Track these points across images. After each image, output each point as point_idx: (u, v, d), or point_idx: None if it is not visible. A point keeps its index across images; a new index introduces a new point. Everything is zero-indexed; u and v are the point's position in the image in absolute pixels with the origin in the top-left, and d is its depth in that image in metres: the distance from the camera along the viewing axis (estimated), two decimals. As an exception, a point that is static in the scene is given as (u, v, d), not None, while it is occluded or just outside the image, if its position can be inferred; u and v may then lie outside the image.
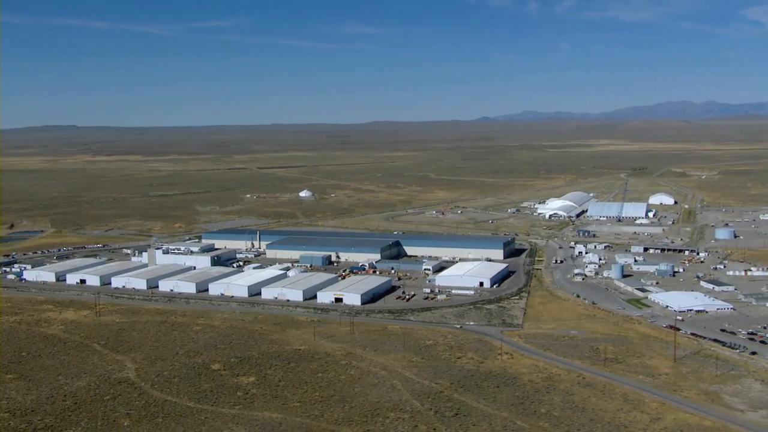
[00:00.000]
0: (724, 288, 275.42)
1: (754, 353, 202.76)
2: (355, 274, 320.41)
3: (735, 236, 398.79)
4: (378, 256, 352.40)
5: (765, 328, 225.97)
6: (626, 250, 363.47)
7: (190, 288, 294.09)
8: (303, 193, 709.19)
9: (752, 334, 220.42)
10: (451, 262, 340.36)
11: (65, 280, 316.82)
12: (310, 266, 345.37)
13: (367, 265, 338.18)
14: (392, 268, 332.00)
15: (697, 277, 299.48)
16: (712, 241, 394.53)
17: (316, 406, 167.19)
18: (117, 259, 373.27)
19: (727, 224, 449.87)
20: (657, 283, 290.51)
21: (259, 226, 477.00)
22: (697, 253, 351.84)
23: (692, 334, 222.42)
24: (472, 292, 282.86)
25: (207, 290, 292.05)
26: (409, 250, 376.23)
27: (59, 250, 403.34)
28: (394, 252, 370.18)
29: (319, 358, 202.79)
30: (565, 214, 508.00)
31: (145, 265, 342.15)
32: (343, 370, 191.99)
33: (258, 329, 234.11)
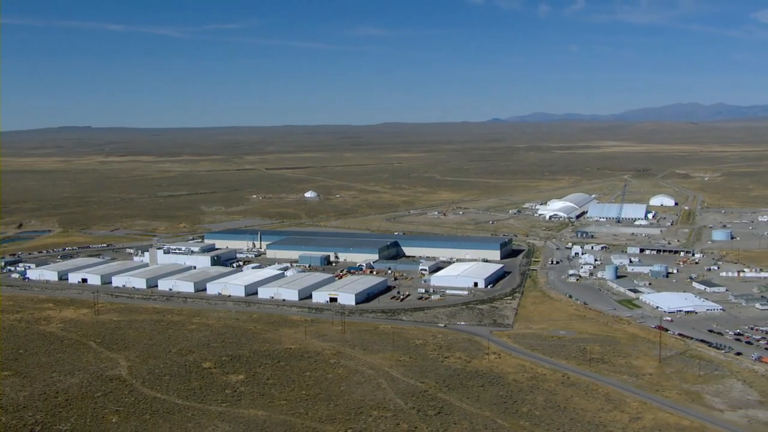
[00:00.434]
0: (716, 289, 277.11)
1: (738, 354, 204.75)
2: (353, 274, 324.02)
3: (732, 237, 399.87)
4: (376, 257, 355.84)
5: (752, 328, 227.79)
6: (622, 251, 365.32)
7: (188, 287, 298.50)
8: (308, 194, 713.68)
9: (739, 334, 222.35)
10: (448, 263, 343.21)
11: (67, 279, 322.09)
12: (309, 266, 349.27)
13: (364, 265, 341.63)
14: (389, 269, 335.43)
15: (690, 278, 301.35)
16: (709, 242, 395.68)
17: (301, 404, 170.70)
18: (120, 258, 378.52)
19: (725, 225, 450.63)
20: (650, 284, 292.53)
21: (263, 226, 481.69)
22: (693, 254, 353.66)
23: (680, 334, 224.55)
24: (466, 293, 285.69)
25: (205, 290, 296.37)
26: (408, 250, 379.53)
27: (63, 250, 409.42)
28: (393, 252, 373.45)
29: (308, 357, 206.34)
30: (565, 215, 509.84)
31: (146, 265, 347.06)
32: (331, 369, 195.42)
33: (251, 328, 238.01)
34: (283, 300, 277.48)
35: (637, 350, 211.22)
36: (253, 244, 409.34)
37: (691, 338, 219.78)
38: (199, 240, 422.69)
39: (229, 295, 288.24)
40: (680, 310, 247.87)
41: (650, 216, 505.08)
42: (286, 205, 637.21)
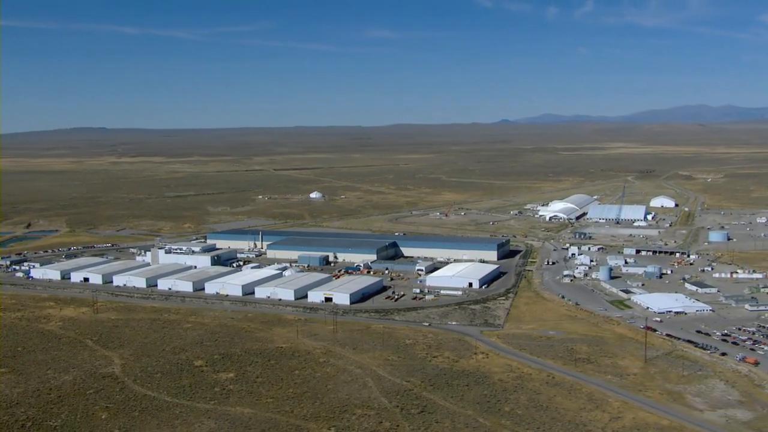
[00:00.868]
0: (707, 290, 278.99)
1: (724, 354, 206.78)
2: (350, 274, 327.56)
3: (728, 239, 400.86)
4: (374, 257, 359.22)
5: (739, 329, 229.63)
6: (619, 252, 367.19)
7: (187, 287, 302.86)
8: (313, 195, 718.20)
9: (726, 335, 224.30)
10: (446, 263, 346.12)
11: (70, 278, 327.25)
12: (308, 266, 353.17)
13: (362, 265, 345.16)
14: (386, 269, 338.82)
15: (683, 279, 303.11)
16: (705, 243, 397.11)
17: (287, 402, 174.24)
18: (123, 258, 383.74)
19: (723, 227, 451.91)
20: (643, 284, 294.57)
21: (266, 226, 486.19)
22: (688, 255, 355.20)
23: (667, 335, 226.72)
24: (460, 293, 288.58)
25: (203, 289, 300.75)
26: (406, 251, 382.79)
27: (69, 249, 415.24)
28: (391, 253, 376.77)
29: (298, 355, 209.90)
30: (565, 216, 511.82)
31: (148, 265, 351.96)
32: (319, 368, 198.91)
33: (245, 327, 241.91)
34: (279, 299, 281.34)
35: (624, 350, 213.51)
36: (255, 244, 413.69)
37: (679, 339, 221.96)
38: (202, 240, 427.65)
39: (227, 295, 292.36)
40: (670, 311, 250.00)
41: (649, 217, 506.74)
42: (290, 206, 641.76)
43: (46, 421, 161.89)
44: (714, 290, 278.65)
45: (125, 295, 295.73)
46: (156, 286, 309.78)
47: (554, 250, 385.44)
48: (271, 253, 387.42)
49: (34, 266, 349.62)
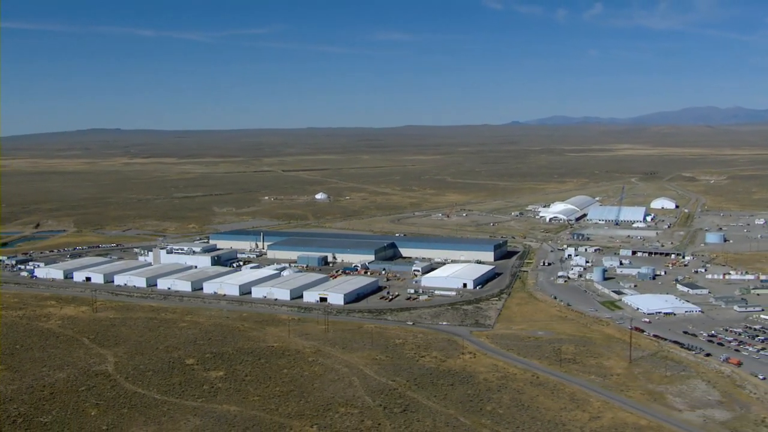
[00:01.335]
0: (698, 291, 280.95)
1: (708, 355, 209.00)
2: (347, 274, 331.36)
3: (725, 240, 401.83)
4: (372, 257, 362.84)
5: (726, 330, 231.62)
6: (615, 253, 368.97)
7: (185, 286, 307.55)
8: (319, 196, 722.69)
9: (712, 336, 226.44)
10: (443, 264, 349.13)
11: (72, 277, 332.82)
12: (307, 266, 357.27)
13: (359, 265, 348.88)
14: (383, 269, 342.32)
15: (676, 280, 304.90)
16: (702, 245, 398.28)
17: (273, 400, 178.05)
18: (127, 258, 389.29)
19: (720, 228, 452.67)
20: (635, 285, 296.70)
21: (270, 227, 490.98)
22: (683, 257, 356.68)
23: (654, 335, 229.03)
24: (454, 293, 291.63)
25: (202, 289, 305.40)
26: (405, 251, 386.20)
27: (74, 249, 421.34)
28: (389, 253, 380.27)
29: (288, 354, 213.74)
30: (565, 217, 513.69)
31: (149, 264, 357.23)
32: (308, 367, 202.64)
33: (239, 326, 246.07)
34: (275, 299, 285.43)
35: (610, 351, 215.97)
36: (256, 244, 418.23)
37: (666, 339, 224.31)
38: (205, 241, 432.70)
39: (224, 295, 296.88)
40: (659, 312, 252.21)
41: (649, 219, 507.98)
42: (295, 207, 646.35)
43: (36, 417, 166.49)
44: (705, 291, 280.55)
45: (125, 295, 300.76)
46: (156, 285, 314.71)
47: (551, 251, 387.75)
48: (271, 254, 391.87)
49: (38, 266, 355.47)
